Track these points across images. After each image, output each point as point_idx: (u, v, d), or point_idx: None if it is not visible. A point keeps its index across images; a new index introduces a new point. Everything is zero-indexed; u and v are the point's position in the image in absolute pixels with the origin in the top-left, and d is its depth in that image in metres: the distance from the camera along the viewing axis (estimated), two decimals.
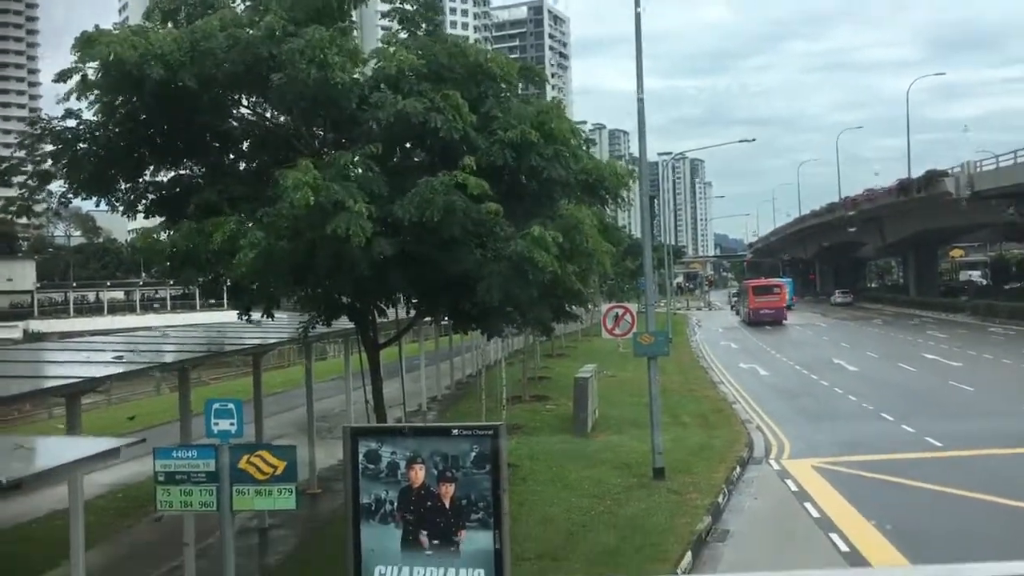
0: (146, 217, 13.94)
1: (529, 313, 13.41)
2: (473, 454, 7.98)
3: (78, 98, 11.78)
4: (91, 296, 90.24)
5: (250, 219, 11.33)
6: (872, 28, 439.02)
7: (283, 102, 12.08)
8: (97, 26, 11.90)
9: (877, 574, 2.58)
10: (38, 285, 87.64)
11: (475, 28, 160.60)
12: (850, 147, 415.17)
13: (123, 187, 13.28)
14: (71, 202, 14.59)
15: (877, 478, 17.03)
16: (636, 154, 23.04)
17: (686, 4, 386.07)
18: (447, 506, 7.98)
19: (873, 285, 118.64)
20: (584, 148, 14.29)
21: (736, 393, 29.97)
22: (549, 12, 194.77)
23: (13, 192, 65.47)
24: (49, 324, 75.41)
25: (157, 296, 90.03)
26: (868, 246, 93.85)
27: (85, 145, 12.41)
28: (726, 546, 13.67)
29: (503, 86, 12.76)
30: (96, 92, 11.69)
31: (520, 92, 14.43)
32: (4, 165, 45.62)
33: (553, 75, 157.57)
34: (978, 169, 61.74)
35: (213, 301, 49.39)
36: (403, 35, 13.41)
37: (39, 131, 12.82)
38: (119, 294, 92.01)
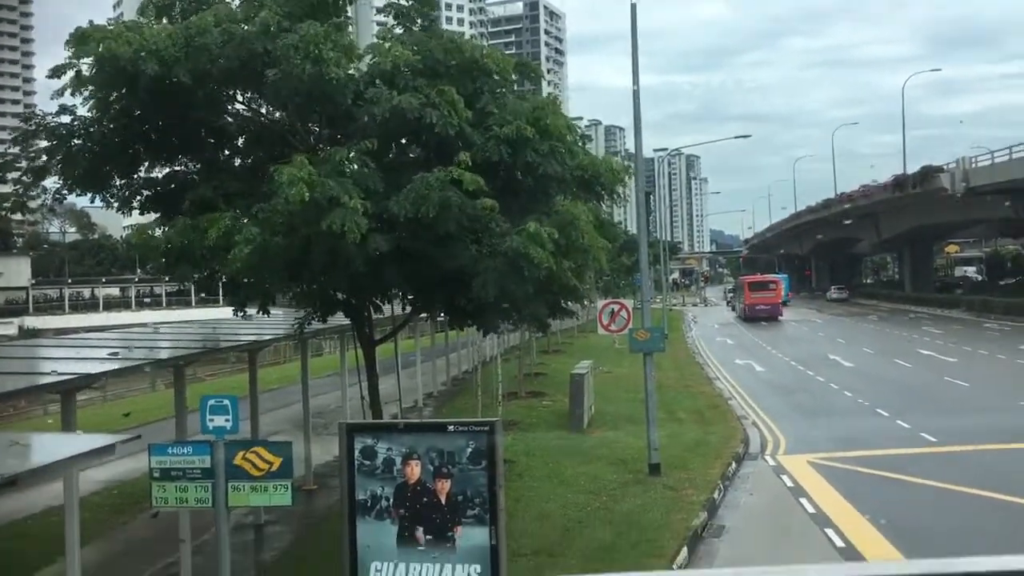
0: (141, 213, 13.92)
1: (525, 309, 13.40)
2: (469, 450, 7.98)
3: (72, 94, 11.77)
4: (86, 292, 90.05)
5: (245, 215, 11.32)
6: (871, 25, 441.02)
7: (278, 98, 12.07)
8: (91, 21, 11.89)
9: (872, 568, 2.56)
10: (33, 281, 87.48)
11: (471, 24, 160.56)
12: (846, 143, 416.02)
13: (118, 183, 13.26)
14: (66, 198, 14.57)
15: (873, 474, 17.04)
16: (632, 150, 23.06)
17: (683, 1, 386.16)
18: (443, 502, 7.98)
19: (869, 281, 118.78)
20: (580, 144, 14.29)
21: (732, 389, 29.99)
22: (545, 8, 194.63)
23: (8, 188, 65.27)
24: (44, 320, 75.24)
25: (153, 292, 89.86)
26: (864, 242, 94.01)
27: (80, 141, 12.37)
28: (722, 542, 13.68)
29: (499, 81, 12.75)
30: (91, 88, 11.68)
31: (516, 88, 14.42)
32: None
33: (549, 71, 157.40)
34: (973, 165, 61.84)
35: (208, 297, 49.30)
36: (398, 30, 13.39)
37: (34, 127, 12.81)
38: (114, 290, 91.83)
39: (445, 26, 36.59)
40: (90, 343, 15.96)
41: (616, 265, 46.38)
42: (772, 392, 29.43)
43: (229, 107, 13.23)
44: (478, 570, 7.89)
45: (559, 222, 11.74)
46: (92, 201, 14.06)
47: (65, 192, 13.44)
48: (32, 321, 75.56)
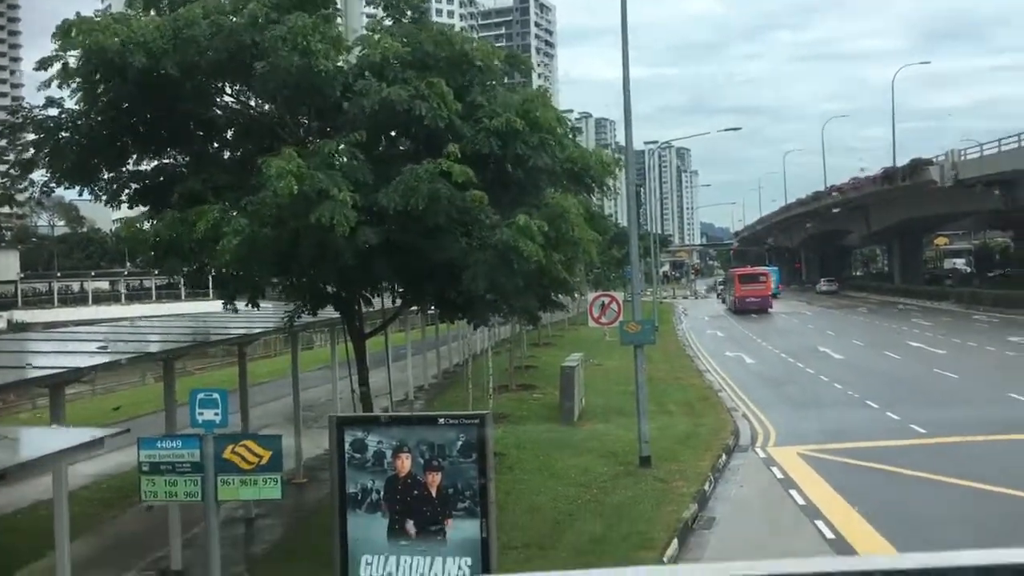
0: (130, 206, 13.84)
1: (515, 302, 13.38)
2: (459, 443, 7.98)
3: (60, 86, 11.69)
4: (75, 286, 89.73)
5: (234, 208, 11.27)
6: (860, 18, 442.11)
7: (266, 90, 12.01)
8: (79, 13, 11.80)
9: (863, 562, 2.54)
10: (22, 275, 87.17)
11: (461, 16, 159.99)
12: (836, 136, 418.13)
13: (106, 176, 13.19)
14: (54, 191, 14.49)
15: (862, 465, 17.10)
16: (622, 143, 23.03)
17: None
18: (433, 495, 7.98)
19: (858, 273, 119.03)
20: (570, 136, 14.28)
21: (722, 381, 30.04)
22: (535, 0, 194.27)
23: None
24: (33, 314, 74.98)
25: (142, 286, 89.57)
26: (854, 234, 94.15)
27: (67, 134, 12.31)
28: (712, 534, 13.70)
29: (488, 74, 12.72)
30: (78, 80, 11.60)
31: (506, 80, 14.39)
32: None
33: (539, 64, 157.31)
34: (962, 157, 61.95)
35: (198, 290, 49.18)
36: (388, 22, 13.34)
37: (21, 120, 12.71)
38: (103, 284, 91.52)
39: (435, 18, 36.50)
40: (79, 337, 15.89)
41: (606, 258, 46.25)
42: (762, 384, 29.49)
43: (217, 99, 13.17)
44: (469, 563, 7.90)
45: (549, 215, 11.72)
46: (80, 194, 13.98)
47: (53, 185, 13.37)
48: (21, 315, 75.30)
